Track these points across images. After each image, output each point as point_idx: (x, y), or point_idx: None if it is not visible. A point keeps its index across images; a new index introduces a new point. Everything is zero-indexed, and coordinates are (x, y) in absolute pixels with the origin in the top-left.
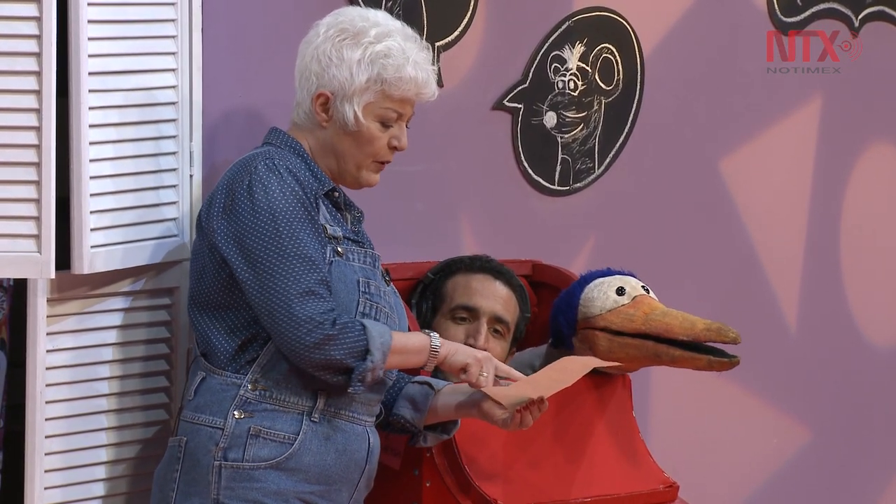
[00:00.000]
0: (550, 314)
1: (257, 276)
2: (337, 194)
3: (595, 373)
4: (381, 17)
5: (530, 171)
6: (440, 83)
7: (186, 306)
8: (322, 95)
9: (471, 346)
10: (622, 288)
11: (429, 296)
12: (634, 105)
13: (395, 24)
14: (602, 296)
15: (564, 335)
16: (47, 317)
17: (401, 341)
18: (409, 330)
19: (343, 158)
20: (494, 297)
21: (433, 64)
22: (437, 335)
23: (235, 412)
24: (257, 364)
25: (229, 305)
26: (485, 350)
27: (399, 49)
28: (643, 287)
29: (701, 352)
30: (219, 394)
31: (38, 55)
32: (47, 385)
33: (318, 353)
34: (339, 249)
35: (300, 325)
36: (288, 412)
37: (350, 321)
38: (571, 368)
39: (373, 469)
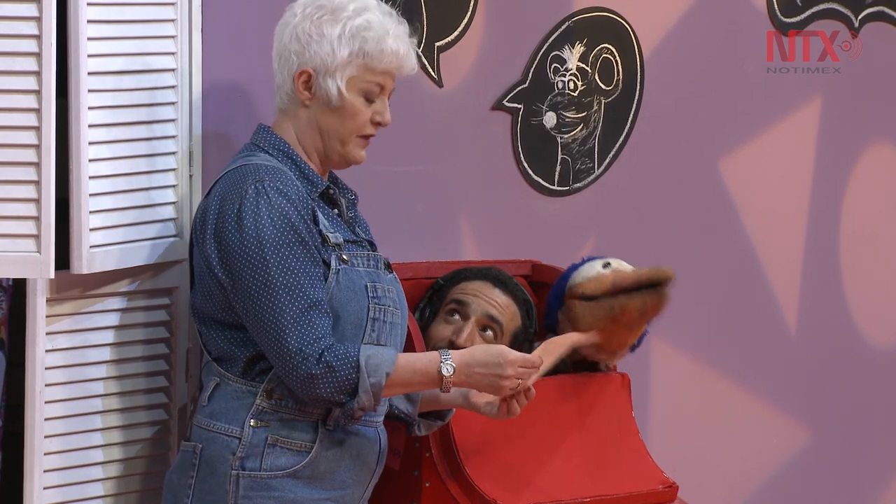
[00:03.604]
0: (547, 298)
1: (246, 306)
2: (332, 191)
3: (594, 370)
4: None
5: (530, 171)
6: (440, 83)
7: (188, 308)
8: (304, 73)
9: (452, 342)
10: (609, 262)
11: (434, 301)
12: (634, 105)
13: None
14: (589, 268)
15: (553, 309)
16: (46, 316)
17: (404, 376)
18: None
19: (327, 135)
20: (489, 299)
21: (412, 37)
22: (450, 358)
23: (252, 421)
24: (273, 373)
25: (234, 323)
26: (465, 347)
27: (378, 22)
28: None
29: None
30: (234, 402)
31: (38, 55)
32: (46, 385)
33: (305, 390)
34: (344, 256)
35: (289, 359)
36: (303, 420)
37: (343, 357)
38: (550, 349)
39: (381, 468)
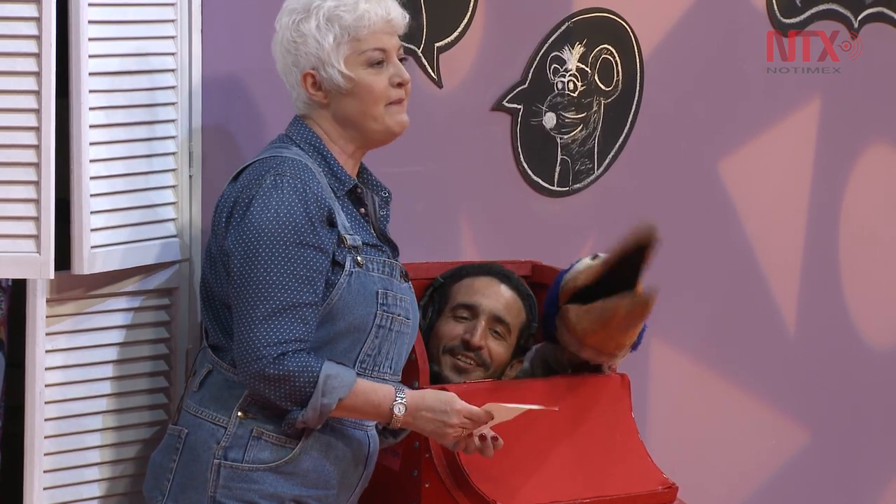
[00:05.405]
0: (542, 307)
1: (231, 293)
2: (359, 190)
3: (593, 370)
4: None
5: (530, 171)
6: (440, 84)
7: (199, 298)
8: (307, 76)
9: (467, 341)
10: (597, 255)
11: (437, 299)
12: (634, 105)
13: None
14: (579, 264)
15: (550, 317)
16: (46, 317)
17: (356, 403)
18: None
19: (359, 120)
20: (496, 297)
21: None
22: (405, 398)
23: (240, 412)
24: None
25: None
26: (480, 346)
27: None
28: None
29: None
30: (225, 391)
31: (38, 55)
32: (46, 385)
33: (253, 386)
34: (360, 260)
35: (246, 353)
36: None
37: (304, 367)
38: (499, 410)
39: (370, 471)
